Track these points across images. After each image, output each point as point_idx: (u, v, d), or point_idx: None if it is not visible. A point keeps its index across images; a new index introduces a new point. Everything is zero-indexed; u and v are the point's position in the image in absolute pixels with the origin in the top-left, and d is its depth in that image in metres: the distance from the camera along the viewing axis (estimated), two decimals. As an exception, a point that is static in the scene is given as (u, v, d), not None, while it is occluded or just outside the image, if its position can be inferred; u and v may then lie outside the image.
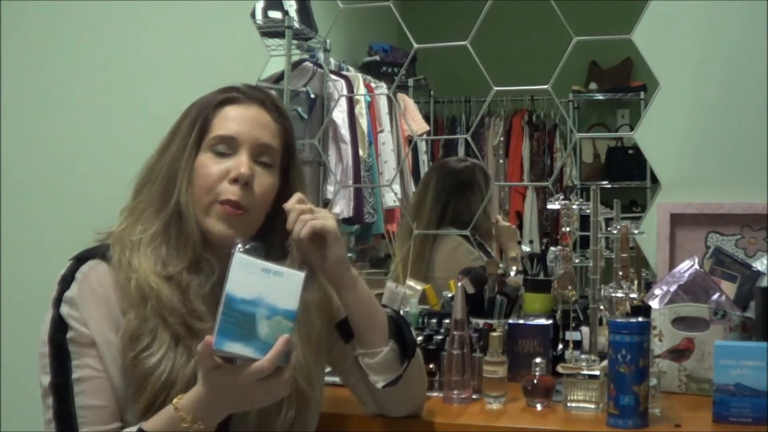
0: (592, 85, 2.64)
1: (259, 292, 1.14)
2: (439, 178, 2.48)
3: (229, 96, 1.35)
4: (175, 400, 1.17)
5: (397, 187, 2.64)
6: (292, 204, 1.32)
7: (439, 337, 1.76)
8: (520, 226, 2.69)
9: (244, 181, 1.29)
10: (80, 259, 1.30)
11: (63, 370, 1.23)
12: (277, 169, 1.35)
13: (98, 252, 1.31)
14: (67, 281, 1.28)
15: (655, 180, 2.03)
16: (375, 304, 1.39)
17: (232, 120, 1.32)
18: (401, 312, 1.99)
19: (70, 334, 1.24)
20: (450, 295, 1.99)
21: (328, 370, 1.46)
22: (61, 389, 1.23)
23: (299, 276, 1.17)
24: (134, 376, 1.21)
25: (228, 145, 1.31)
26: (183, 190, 1.29)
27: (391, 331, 1.38)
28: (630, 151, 2.50)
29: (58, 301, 1.26)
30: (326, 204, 2.50)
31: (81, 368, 1.23)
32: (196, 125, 1.32)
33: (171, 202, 1.30)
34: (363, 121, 2.63)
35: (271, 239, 1.35)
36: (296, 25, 2.56)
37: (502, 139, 2.73)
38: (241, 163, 1.30)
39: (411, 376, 1.40)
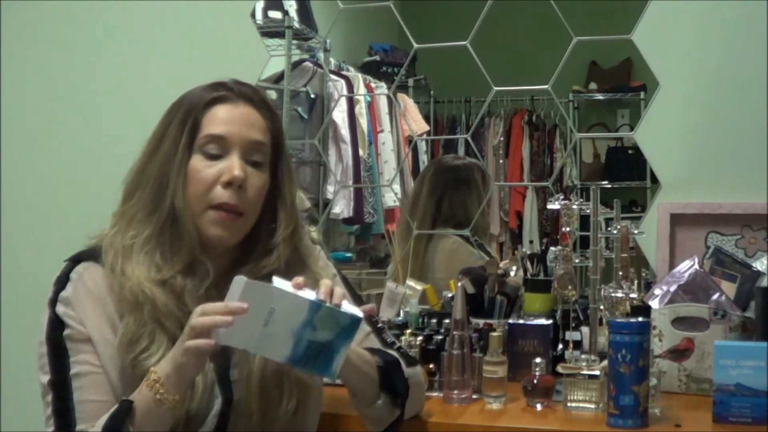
0: (592, 85, 2.65)
1: (291, 332, 1.15)
2: (435, 172, 2.49)
3: (218, 95, 1.33)
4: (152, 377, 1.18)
5: (397, 187, 2.64)
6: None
7: (439, 337, 1.76)
8: (520, 226, 2.69)
9: (238, 185, 1.29)
10: (75, 260, 1.31)
11: (61, 367, 1.24)
12: (267, 167, 1.35)
13: (92, 254, 1.31)
14: (62, 282, 1.28)
15: (655, 180, 2.03)
16: (365, 362, 1.35)
17: (222, 120, 1.31)
18: (401, 312, 1.99)
19: (67, 332, 1.25)
20: (450, 295, 1.98)
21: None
22: (60, 385, 1.23)
23: (269, 288, 1.15)
24: (134, 377, 1.22)
25: (218, 146, 1.30)
26: (178, 193, 1.28)
27: (383, 384, 1.36)
28: (630, 151, 2.51)
29: (54, 301, 1.27)
30: (326, 204, 2.50)
31: (79, 364, 1.24)
32: (186, 126, 1.30)
33: (164, 206, 1.29)
34: (363, 121, 2.64)
35: (258, 236, 1.35)
36: (296, 25, 2.56)
37: (502, 139, 2.73)
38: (233, 165, 1.29)
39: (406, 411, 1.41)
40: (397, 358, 1.41)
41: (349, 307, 1.20)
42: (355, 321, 1.18)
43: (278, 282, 1.17)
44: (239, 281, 1.15)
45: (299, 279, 1.19)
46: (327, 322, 1.16)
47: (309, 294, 1.17)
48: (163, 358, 1.20)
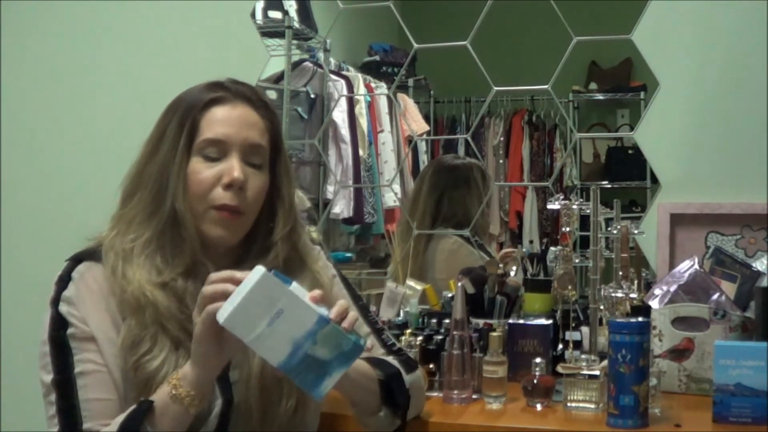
0: (592, 85, 2.64)
1: (291, 339, 1.13)
2: (434, 171, 2.49)
3: (216, 96, 1.32)
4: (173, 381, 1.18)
5: (397, 187, 2.64)
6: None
7: (439, 337, 1.76)
8: (520, 226, 2.69)
9: (238, 186, 1.28)
10: (76, 260, 1.30)
11: (65, 366, 1.23)
12: (266, 167, 1.34)
13: (93, 254, 1.31)
14: (64, 281, 1.28)
15: (655, 180, 2.03)
16: (365, 377, 1.34)
17: (220, 122, 1.30)
18: (401, 312, 1.99)
19: (70, 330, 1.24)
20: (450, 295, 1.99)
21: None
22: (64, 384, 1.22)
23: (284, 288, 1.14)
24: (136, 379, 1.22)
25: (217, 149, 1.29)
26: (179, 196, 1.28)
27: (384, 397, 1.36)
28: (630, 151, 2.50)
29: (56, 301, 1.26)
30: (326, 204, 2.50)
31: (83, 362, 1.23)
32: (184, 128, 1.29)
33: (164, 208, 1.28)
34: (363, 121, 2.63)
35: (255, 235, 1.35)
36: (296, 25, 2.56)
37: (502, 139, 2.73)
38: (232, 167, 1.28)
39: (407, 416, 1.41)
40: (398, 368, 1.40)
41: (355, 334, 1.18)
42: (357, 348, 1.16)
43: (296, 287, 1.16)
44: (258, 270, 1.14)
45: (316, 292, 1.17)
46: (329, 341, 1.14)
47: (321, 309, 1.15)
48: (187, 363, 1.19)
